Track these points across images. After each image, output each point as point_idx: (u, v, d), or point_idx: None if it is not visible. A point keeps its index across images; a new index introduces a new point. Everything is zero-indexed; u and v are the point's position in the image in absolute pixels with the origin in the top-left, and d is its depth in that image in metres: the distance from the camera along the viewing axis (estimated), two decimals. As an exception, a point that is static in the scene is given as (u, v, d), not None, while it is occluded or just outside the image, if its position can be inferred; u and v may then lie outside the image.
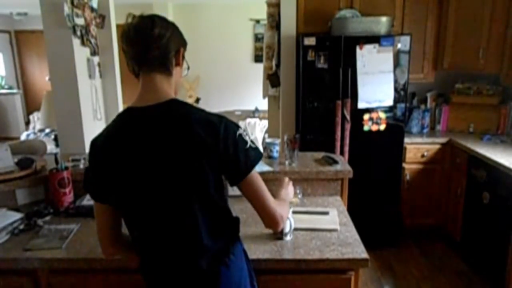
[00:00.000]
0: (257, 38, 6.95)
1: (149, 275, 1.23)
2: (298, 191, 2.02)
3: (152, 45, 1.13)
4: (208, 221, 1.15)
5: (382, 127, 3.13)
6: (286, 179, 1.59)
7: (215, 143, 1.09)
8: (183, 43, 1.22)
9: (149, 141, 1.10)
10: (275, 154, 2.23)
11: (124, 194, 1.16)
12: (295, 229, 1.64)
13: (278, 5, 3.41)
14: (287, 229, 1.58)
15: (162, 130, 1.10)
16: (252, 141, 1.19)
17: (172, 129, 1.09)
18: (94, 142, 1.18)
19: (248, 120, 4.92)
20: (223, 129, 1.11)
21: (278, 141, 2.29)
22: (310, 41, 2.99)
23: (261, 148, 1.20)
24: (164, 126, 1.10)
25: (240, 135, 1.15)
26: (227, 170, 1.14)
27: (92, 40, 3.32)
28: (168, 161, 1.10)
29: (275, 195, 1.34)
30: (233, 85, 7.05)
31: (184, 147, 1.09)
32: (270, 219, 1.21)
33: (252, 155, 1.16)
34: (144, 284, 1.26)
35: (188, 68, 1.28)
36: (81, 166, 2.13)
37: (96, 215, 1.24)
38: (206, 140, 1.08)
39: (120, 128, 1.15)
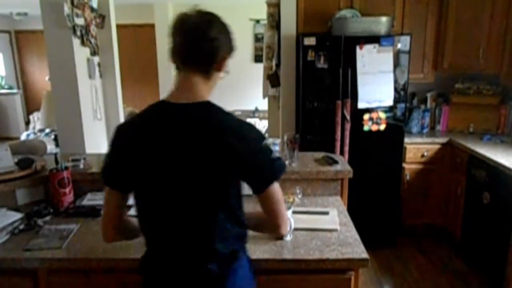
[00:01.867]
0: (257, 38, 6.94)
1: (151, 271, 1.22)
2: (298, 191, 2.02)
3: (203, 46, 1.11)
4: (225, 227, 1.15)
5: (382, 127, 3.13)
6: None
7: (245, 151, 1.09)
8: (231, 50, 1.20)
9: (179, 138, 1.09)
10: (275, 154, 2.23)
11: (143, 185, 1.16)
12: (295, 229, 1.63)
13: (278, 5, 3.41)
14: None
15: (194, 130, 1.09)
16: (276, 153, 1.20)
17: (204, 132, 1.09)
18: (120, 128, 1.18)
19: (248, 120, 4.93)
20: (253, 137, 1.13)
21: (278, 141, 2.29)
22: (310, 41, 2.99)
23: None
24: (197, 127, 1.10)
25: (266, 144, 1.17)
26: (253, 178, 1.15)
27: (92, 40, 3.32)
28: (196, 163, 1.09)
29: None
30: (233, 85, 7.03)
31: (213, 152, 1.08)
32: (284, 227, 1.22)
33: (277, 165, 1.17)
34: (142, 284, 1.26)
35: (228, 72, 1.24)
36: (81, 166, 2.13)
37: (105, 201, 1.24)
38: (236, 148, 1.08)
39: (151, 119, 1.14)
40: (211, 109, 1.14)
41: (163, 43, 6.77)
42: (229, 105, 7.06)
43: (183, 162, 1.09)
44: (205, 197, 1.11)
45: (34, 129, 6.10)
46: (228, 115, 1.14)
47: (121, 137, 1.16)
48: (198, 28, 1.11)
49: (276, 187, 1.17)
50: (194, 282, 1.17)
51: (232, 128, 1.11)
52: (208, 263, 1.15)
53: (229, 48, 1.18)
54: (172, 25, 1.14)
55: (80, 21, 3.07)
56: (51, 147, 4.33)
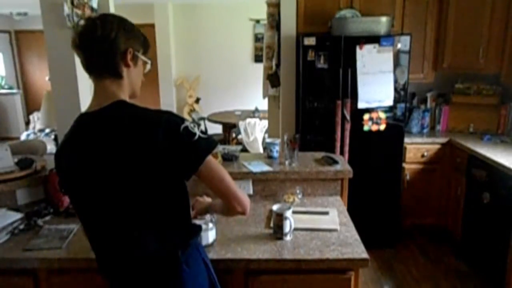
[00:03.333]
0: (257, 38, 6.94)
1: (105, 274, 1.26)
2: (298, 191, 2.02)
3: (94, 50, 1.11)
4: (156, 226, 1.14)
5: (382, 127, 3.13)
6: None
7: (159, 142, 1.06)
8: (133, 43, 1.16)
9: (96, 145, 1.10)
10: (275, 154, 2.23)
11: (77, 198, 1.18)
12: (295, 229, 1.63)
13: (278, 5, 3.41)
14: (287, 229, 1.58)
15: (107, 133, 1.09)
16: (203, 131, 1.14)
17: (115, 131, 1.09)
18: (56, 154, 1.22)
19: (248, 120, 4.91)
20: (165, 126, 1.08)
21: (278, 141, 2.29)
22: (310, 41, 2.99)
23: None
24: (108, 129, 1.09)
25: (186, 127, 1.10)
26: (177, 166, 1.10)
27: (92, 40, 3.31)
28: (114, 165, 1.08)
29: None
30: (233, 85, 7.05)
31: (128, 150, 1.07)
32: (238, 203, 1.18)
33: (202, 145, 1.12)
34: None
35: (149, 63, 1.24)
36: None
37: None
38: (150, 141, 1.06)
39: (72, 134, 1.17)
40: (120, 107, 1.12)
41: (163, 43, 6.77)
42: (229, 105, 7.10)
43: (104, 167, 1.09)
44: (129, 197, 1.10)
45: (34, 129, 6.10)
46: (140, 109, 1.12)
47: (55, 157, 1.20)
48: (85, 35, 1.11)
49: (211, 164, 1.14)
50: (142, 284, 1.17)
51: (141, 120, 1.09)
52: (147, 265, 1.15)
53: (129, 42, 1.14)
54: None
55: (80, 21, 3.07)
56: (51, 147, 4.34)
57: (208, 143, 1.14)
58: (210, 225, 1.54)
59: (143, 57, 1.20)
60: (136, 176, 1.08)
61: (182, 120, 1.12)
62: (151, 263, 1.15)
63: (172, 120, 1.10)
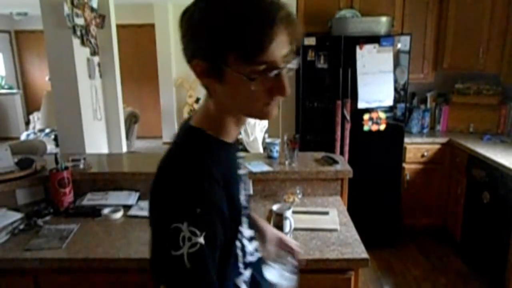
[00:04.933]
0: (257, 38, 6.94)
1: None
2: (298, 191, 2.02)
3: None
4: None
5: (382, 127, 3.13)
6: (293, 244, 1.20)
7: (152, 219, 0.77)
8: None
9: None
10: (275, 154, 2.23)
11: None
12: (295, 229, 1.63)
13: (278, 5, 3.40)
14: (287, 229, 1.58)
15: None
16: (191, 254, 0.69)
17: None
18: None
19: (248, 120, 4.92)
20: (168, 206, 0.73)
21: (278, 141, 2.29)
22: (310, 41, 2.99)
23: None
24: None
25: (177, 228, 0.69)
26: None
27: (92, 40, 3.31)
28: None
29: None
30: (233, 85, 7.06)
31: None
32: None
33: (175, 272, 0.70)
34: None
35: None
36: (81, 166, 2.13)
37: None
38: (150, 209, 0.78)
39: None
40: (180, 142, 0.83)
41: (163, 43, 6.78)
42: (229, 105, 7.07)
43: None
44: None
45: (34, 129, 6.10)
46: (175, 157, 0.79)
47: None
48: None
49: None
50: None
51: (157, 186, 0.77)
52: None
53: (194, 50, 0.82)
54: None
55: (80, 21, 3.07)
56: (51, 147, 4.33)
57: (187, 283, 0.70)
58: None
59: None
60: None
61: (189, 206, 0.71)
62: None
63: (178, 198, 0.72)
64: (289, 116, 3.45)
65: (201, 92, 7.46)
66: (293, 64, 0.76)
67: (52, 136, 5.09)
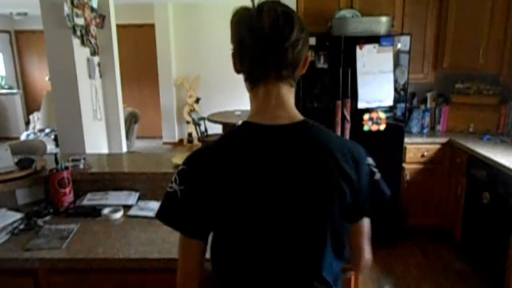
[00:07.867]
0: (257, 38, 6.94)
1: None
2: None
3: (288, 49, 0.91)
4: (331, 256, 1.01)
5: (382, 127, 3.13)
6: None
7: (356, 175, 1.00)
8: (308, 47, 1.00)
9: (283, 167, 0.92)
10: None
11: (236, 222, 0.95)
12: (295, 229, 1.63)
13: (278, 5, 3.41)
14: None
15: (302, 158, 0.93)
16: (377, 170, 1.08)
17: (313, 158, 0.94)
18: (200, 160, 0.96)
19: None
20: (362, 159, 1.04)
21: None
22: (310, 41, 2.99)
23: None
24: (304, 153, 0.94)
25: (370, 165, 1.08)
26: (355, 204, 1.01)
27: (92, 40, 3.32)
28: (306, 193, 0.93)
29: None
30: (233, 85, 7.02)
31: (327, 180, 0.94)
32: (361, 264, 1.17)
33: (381, 191, 1.09)
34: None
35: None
36: (81, 166, 2.13)
37: (184, 254, 1.00)
38: (349, 173, 0.97)
39: (244, 148, 0.94)
40: (313, 129, 0.97)
41: (163, 43, 6.78)
42: (229, 105, 7.09)
43: (292, 191, 0.93)
44: (319, 224, 0.96)
45: (34, 129, 6.10)
46: (331, 134, 1.00)
47: (206, 170, 0.94)
48: (278, 27, 0.90)
49: (368, 220, 1.10)
50: None
51: (340, 150, 0.98)
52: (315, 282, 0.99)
53: (308, 46, 1.00)
54: (244, 27, 0.93)
55: (80, 21, 3.07)
56: (51, 147, 4.33)
57: (386, 190, 1.10)
58: None
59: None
60: (322, 205, 0.96)
61: (366, 154, 1.09)
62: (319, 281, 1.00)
63: (363, 153, 1.08)
64: (289, 116, 3.45)
65: (201, 92, 7.46)
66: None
67: (52, 136, 5.09)
